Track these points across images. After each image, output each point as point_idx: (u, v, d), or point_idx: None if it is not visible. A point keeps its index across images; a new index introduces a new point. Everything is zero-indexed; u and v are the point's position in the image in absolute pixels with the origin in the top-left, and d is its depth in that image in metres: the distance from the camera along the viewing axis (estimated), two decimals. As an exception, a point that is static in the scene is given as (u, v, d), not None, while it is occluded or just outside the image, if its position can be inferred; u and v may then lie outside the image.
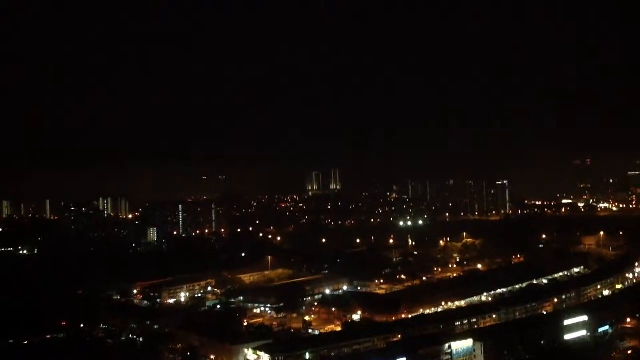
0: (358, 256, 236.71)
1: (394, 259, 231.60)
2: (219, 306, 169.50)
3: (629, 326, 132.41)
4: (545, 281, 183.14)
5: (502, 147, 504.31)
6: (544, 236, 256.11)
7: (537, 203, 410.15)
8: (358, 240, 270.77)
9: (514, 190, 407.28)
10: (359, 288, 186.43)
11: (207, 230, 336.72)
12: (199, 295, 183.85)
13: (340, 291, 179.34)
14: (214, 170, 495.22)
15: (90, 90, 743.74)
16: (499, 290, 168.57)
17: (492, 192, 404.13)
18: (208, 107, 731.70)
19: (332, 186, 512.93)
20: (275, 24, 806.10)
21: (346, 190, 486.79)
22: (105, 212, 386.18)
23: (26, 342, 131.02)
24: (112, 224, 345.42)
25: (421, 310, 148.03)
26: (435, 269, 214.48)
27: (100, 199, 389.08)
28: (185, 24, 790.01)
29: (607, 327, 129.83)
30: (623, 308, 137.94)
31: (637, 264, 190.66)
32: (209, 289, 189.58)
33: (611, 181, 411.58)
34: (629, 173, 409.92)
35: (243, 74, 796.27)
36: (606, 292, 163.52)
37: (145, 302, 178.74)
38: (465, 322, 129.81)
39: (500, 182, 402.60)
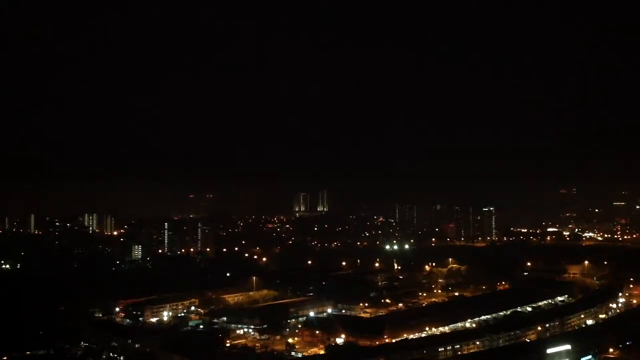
0: (343, 279, 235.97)
1: (379, 283, 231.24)
2: (201, 326, 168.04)
3: (611, 356, 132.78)
4: (529, 309, 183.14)
5: (490, 173, 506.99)
6: (529, 264, 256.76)
7: (523, 230, 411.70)
8: (344, 263, 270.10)
9: (500, 217, 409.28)
10: (344, 311, 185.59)
11: (192, 249, 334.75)
12: (182, 314, 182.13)
13: (325, 314, 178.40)
14: (201, 188, 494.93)
15: (80, 106, 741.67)
16: (483, 317, 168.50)
17: (479, 218, 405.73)
18: (196, 126, 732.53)
19: (320, 208, 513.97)
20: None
21: (333, 212, 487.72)
22: (90, 229, 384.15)
23: (5, 358, 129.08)
24: (96, 241, 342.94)
25: (405, 335, 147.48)
26: (420, 293, 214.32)
27: (86, 215, 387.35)
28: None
29: (590, 357, 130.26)
30: (606, 338, 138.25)
31: (620, 294, 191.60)
32: (192, 308, 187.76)
33: (596, 211, 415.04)
34: (614, 203, 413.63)
35: (234, 97, 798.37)
36: (590, 322, 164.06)
37: (128, 320, 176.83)
38: (449, 348, 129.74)
39: (486, 209, 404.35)
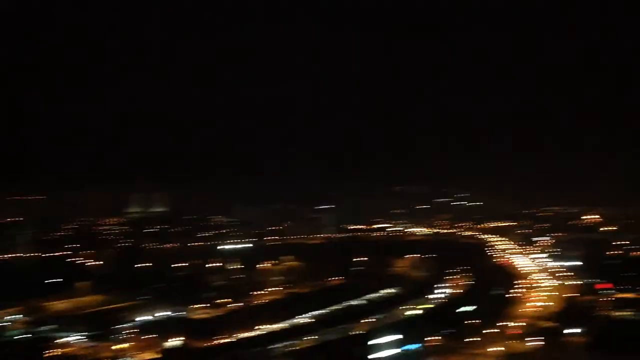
0: (179, 280, 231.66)
1: (216, 283, 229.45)
2: (25, 336, 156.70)
3: (434, 343, 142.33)
4: (361, 302, 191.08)
5: (328, 172, 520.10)
6: (361, 259, 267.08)
7: (356, 227, 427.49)
8: (180, 264, 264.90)
9: (336, 214, 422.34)
10: (179, 313, 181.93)
11: (15, 254, 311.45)
12: (4, 324, 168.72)
13: (160, 316, 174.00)
14: (28, 190, 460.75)
15: None
16: (318, 312, 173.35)
17: (316, 215, 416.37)
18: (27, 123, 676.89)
19: (156, 208, 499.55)
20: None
21: (170, 212, 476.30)
22: None
23: None
24: None
25: (241, 334, 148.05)
26: (257, 292, 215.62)
27: None
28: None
29: (417, 345, 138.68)
30: (430, 326, 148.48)
31: (442, 285, 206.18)
32: (16, 317, 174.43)
33: (421, 207, 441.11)
34: (436, 200, 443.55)
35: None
36: (416, 312, 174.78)
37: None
38: (282, 344, 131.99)
39: (323, 207, 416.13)
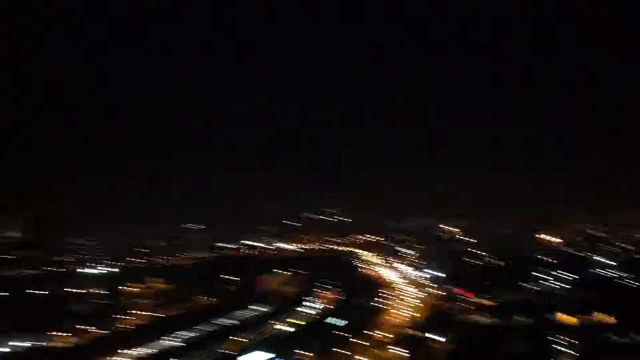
0: (36, 307, 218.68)
1: (79, 309, 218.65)
2: None
3: (305, 359, 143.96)
4: (234, 321, 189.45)
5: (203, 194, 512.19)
6: (231, 278, 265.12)
7: (228, 246, 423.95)
8: (37, 291, 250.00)
9: (209, 234, 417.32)
10: (37, 342, 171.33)
11: None
12: None
13: (16, 347, 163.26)
14: None
15: None
16: (189, 334, 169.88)
17: (188, 236, 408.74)
18: None
19: (14, 234, 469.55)
20: None
21: (30, 237, 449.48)
22: None
23: None
24: None
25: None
26: (122, 316, 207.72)
27: None
28: None
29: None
30: (300, 341, 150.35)
31: (312, 300, 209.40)
32: None
33: (289, 224, 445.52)
34: (304, 216, 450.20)
35: None
36: (286, 328, 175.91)
37: None
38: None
39: (194, 226, 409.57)
